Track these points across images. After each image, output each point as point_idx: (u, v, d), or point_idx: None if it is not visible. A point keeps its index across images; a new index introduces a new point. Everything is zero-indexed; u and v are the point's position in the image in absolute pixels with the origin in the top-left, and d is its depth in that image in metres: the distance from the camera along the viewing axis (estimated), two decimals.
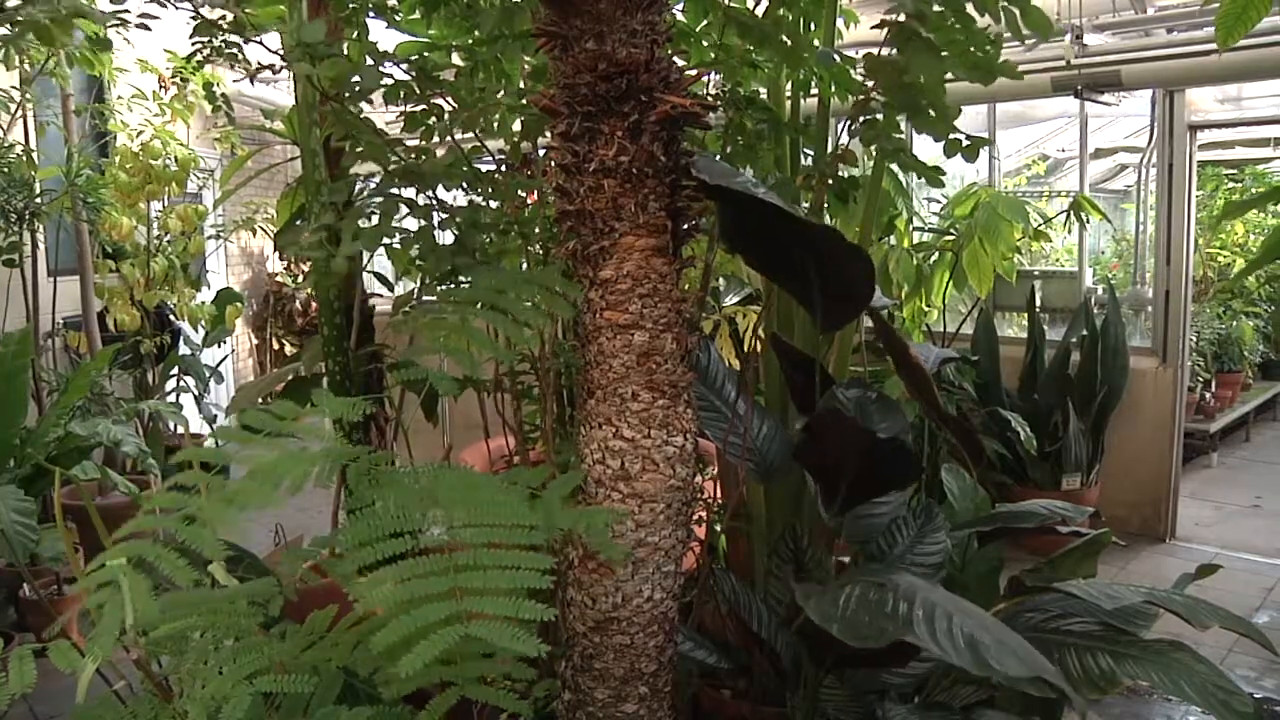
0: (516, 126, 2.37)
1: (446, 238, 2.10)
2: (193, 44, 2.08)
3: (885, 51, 2.02)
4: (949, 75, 2.08)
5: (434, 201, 2.11)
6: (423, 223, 2.10)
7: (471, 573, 1.27)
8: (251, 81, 2.21)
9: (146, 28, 1.97)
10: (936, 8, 1.94)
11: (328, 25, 2.11)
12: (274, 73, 2.06)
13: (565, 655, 1.82)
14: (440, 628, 1.19)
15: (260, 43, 2.14)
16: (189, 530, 1.27)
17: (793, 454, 2.25)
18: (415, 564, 1.28)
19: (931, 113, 2.09)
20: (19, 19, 1.79)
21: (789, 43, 2.28)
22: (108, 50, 1.90)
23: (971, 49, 2.01)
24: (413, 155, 2.08)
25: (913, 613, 1.61)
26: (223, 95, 2.63)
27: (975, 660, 1.53)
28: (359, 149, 2.03)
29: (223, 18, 1.98)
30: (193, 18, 2.04)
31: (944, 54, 2.01)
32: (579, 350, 1.76)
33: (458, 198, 2.18)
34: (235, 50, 2.08)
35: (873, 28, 2.10)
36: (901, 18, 1.92)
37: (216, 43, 2.03)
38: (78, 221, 4.90)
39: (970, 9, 1.97)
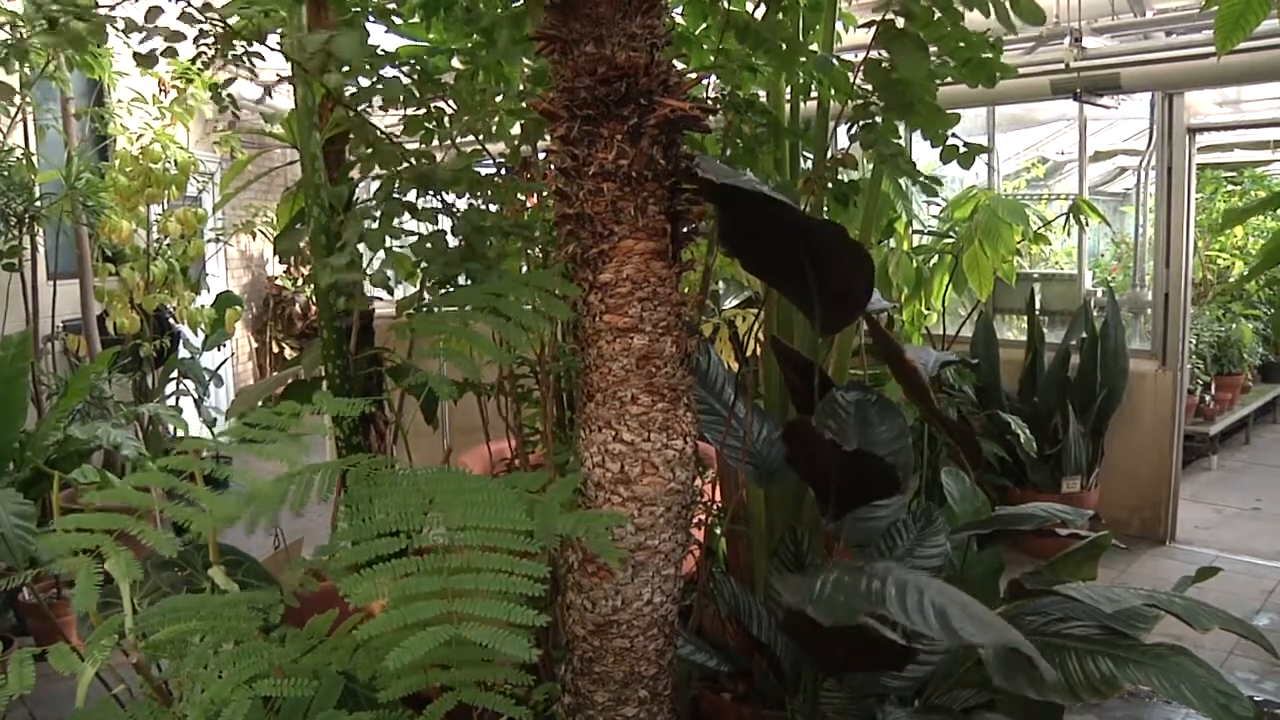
0: (516, 130, 2.38)
1: (451, 241, 2.10)
2: (197, 48, 2.08)
3: (876, 51, 2.03)
4: (948, 78, 2.09)
5: (446, 206, 2.11)
6: (427, 227, 2.10)
7: (464, 575, 1.27)
8: (270, 94, 2.20)
9: (174, 52, 1.97)
10: (923, 2, 1.95)
11: (327, 28, 2.11)
12: (275, 88, 2.07)
13: (565, 659, 1.82)
14: (429, 626, 1.19)
15: (277, 49, 2.14)
16: (178, 510, 1.29)
17: (784, 459, 2.25)
18: (407, 563, 1.29)
19: (923, 112, 2.09)
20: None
21: (786, 48, 2.29)
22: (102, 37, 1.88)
23: (961, 45, 2.02)
24: (417, 159, 2.08)
25: (885, 590, 1.66)
26: (229, 96, 2.62)
27: (944, 630, 1.58)
28: (368, 151, 2.03)
29: (224, 29, 1.98)
30: (198, 23, 2.04)
31: (934, 51, 2.01)
32: (578, 353, 1.76)
33: (457, 202, 2.19)
34: (239, 56, 2.08)
35: (858, 27, 2.10)
36: (888, 15, 1.93)
37: (219, 48, 2.03)
38: (77, 225, 4.91)
39: (959, 6, 1.98)
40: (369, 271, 2.07)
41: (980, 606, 1.67)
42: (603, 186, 1.64)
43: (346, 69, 1.88)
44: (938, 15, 1.99)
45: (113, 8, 1.88)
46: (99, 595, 1.64)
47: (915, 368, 2.26)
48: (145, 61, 1.96)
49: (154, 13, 1.87)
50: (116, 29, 1.88)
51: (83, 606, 1.29)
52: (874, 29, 2.02)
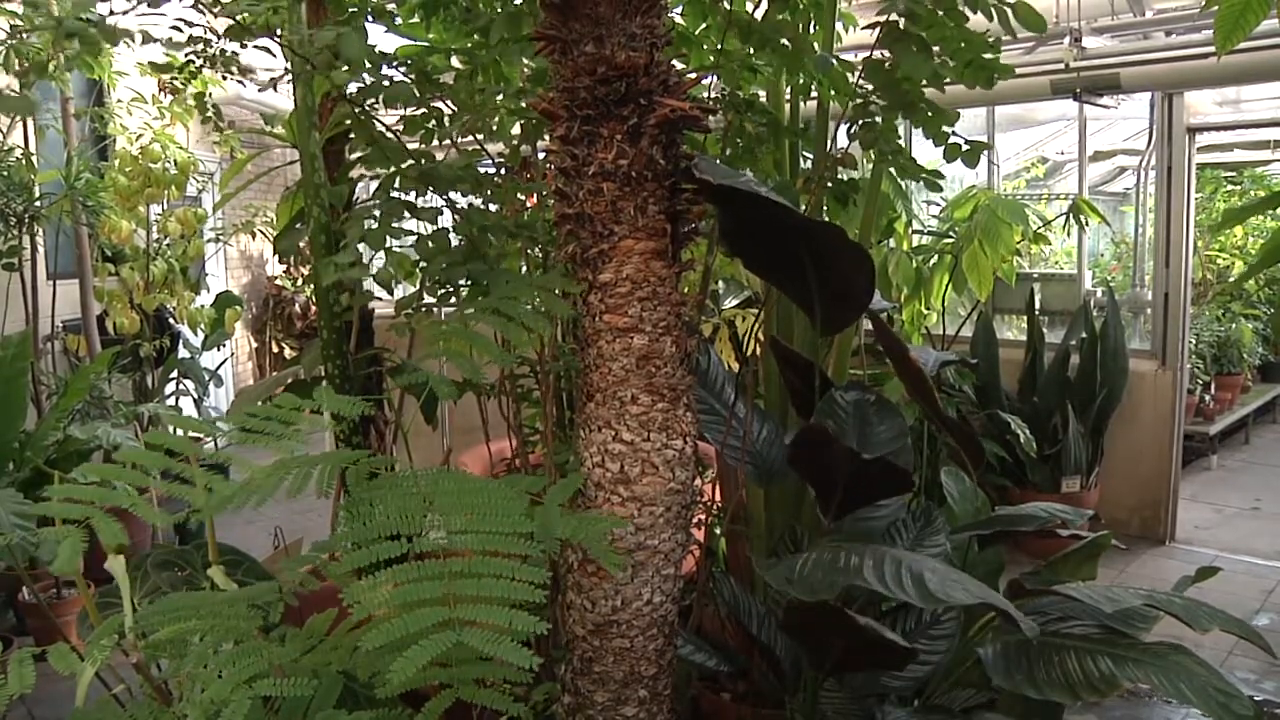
0: (516, 130, 2.38)
1: (453, 240, 2.10)
2: (186, 54, 2.08)
3: (878, 52, 2.02)
4: (947, 78, 2.09)
5: (449, 204, 2.11)
6: (427, 227, 2.10)
7: (466, 580, 1.27)
8: (257, 91, 2.21)
9: (190, 66, 1.99)
10: (928, 5, 1.94)
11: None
12: (275, 89, 2.08)
13: (565, 658, 1.82)
14: (433, 633, 1.19)
15: (272, 40, 2.13)
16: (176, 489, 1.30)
17: (787, 461, 2.25)
18: (409, 569, 1.28)
19: (926, 111, 2.09)
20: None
21: (790, 46, 2.28)
22: (112, 41, 1.90)
23: (964, 46, 2.02)
24: (417, 159, 2.08)
25: (863, 563, 1.70)
26: (214, 106, 2.63)
27: (921, 594, 1.62)
28: (368, 150, 2.03)
29: (216, 37, 1.99)
30: (185, 24, 2.05)
31: (937, 53, 2.01)
32: (578, 353, 1.76)
33: (458, 202, 2.19)
34: (227, 62, 2.09)
35: (864, 28, 2.10)
36: (892, 17, 1.93)
37: (212, 51, 2.03)
38: (77, 225, 4.90)
39: (963, 8, 1.98)
40: (371, 270, 2.07)
41: (957, 572, 1.70)
42: (603, 186, 1.64)
43: (348, 69, 1.88)
44: (941, 15, 1.99)
45: (125, 12, 1.90)
46: (98, 595, 1.64)
47: (918, 367, 2.26)
48: (162, 70, 1.97)
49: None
50: (130, 43, 1.90)
51: (64, 569, 1.29)
52: (877, 30, 2.02)
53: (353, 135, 2.15)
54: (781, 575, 1.76)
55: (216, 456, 1.47)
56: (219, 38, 2.08)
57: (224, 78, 2.18)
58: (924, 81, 2.05)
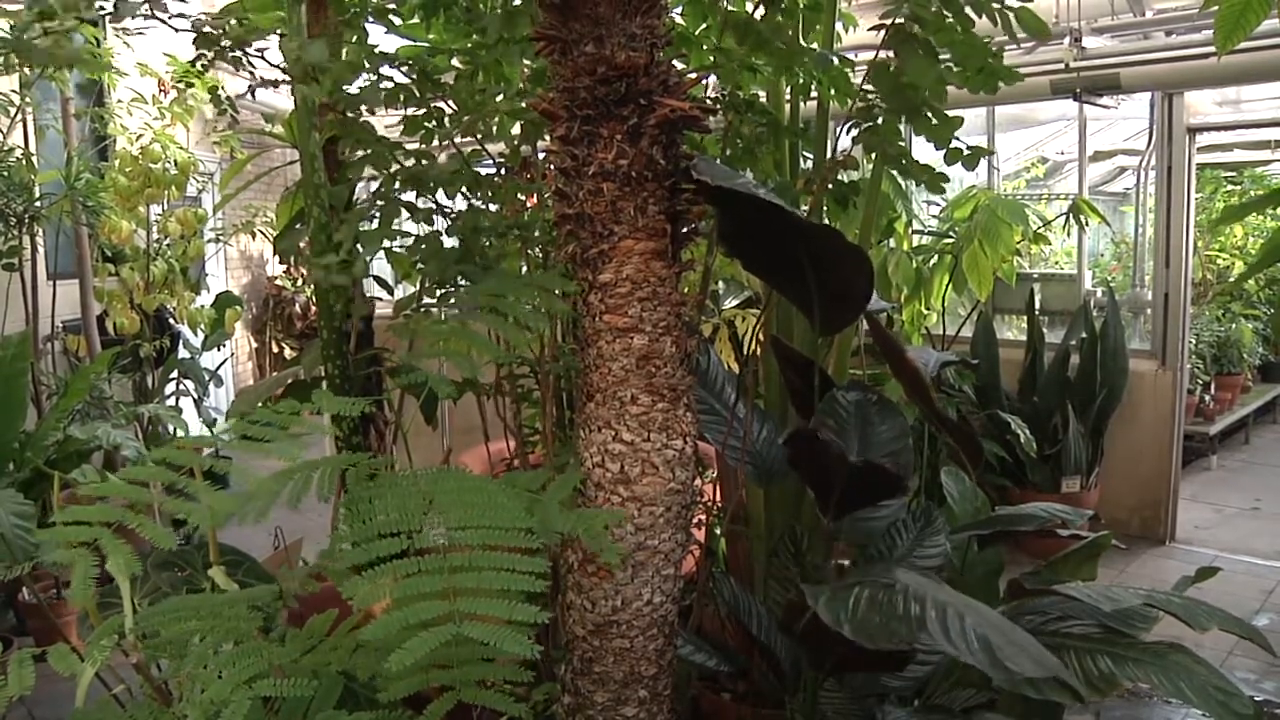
0: (516, 130, 2.38)
1: (447, 242, 2.10)
2: (196, 51, 2.08)
3: (883, 54, 2.02)
4: (951, 83, 2.09)
5: (440, 207, 2.11)
6: (425, 227, 2.10)
7: (466, 574, 1.27)
8: (258, 91, 2.21)
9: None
10: (934, 9, 1.94)
11: (327, 29, 2.11)
12: (275, 87, 2.08)
13: (565, 659, 1.82)
14: (432, 626, 1.20)
15: (261, 56, 2.14)
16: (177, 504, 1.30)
17: (788, 461, 2.25)
18: (410, 563, 1.29)
19: (930, 117, 2.09)
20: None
21: (787, 48, 2.28)
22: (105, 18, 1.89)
23: (970, 52, 2.02)
24: (414, 160, 2.08)
25: (925, 614, 1.62)
26: (228, 98, 2.63)
27: (990, 661, 1.54)
28: (361, 152, 2.03)
29: (222, 32, 1.99)
30: (191, 28, 2.05)
31: (944, 59, 2.01)
32: (578, 354, 1.76)
33: (457, 202, 2.19)
34: (238, 57, 2.09)
35: (870, 29, 2.10)
36: (899, 20, 1.93)
37: (220, 47, 2.03)
38: (77, 225, 4.90)
39: (969, 11, 1.98)
40: (370, 270, 2.07)
41: (1021, 633, 1.63)
42: (602, 186, 1.64)
43: (328, 74, 1.87)
44: (949, 20, 1.98)
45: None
46: (98, 595, 1.64)
47: (916, 368, 2.26)
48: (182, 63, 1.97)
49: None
50: (123, 38, 1.89)
51: (78, 601, 1.30)
52: (883, 33, 2.02)
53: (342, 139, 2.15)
54: (834, 612, 1.67)
55: (217, 467, 1.48)
56: (228, 36, 2.08)
57: (237, 70, 2.18)
58: (928, 86, 2.05)
